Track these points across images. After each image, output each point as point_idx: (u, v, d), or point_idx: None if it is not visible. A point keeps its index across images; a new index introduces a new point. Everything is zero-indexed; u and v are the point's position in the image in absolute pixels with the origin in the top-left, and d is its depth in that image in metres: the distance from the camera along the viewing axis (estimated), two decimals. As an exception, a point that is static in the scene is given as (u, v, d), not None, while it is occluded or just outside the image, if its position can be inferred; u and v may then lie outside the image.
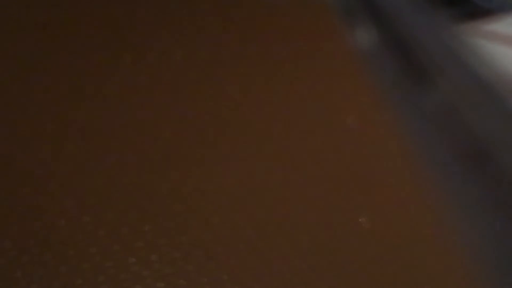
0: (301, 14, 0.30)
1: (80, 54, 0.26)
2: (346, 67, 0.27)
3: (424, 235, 0.21)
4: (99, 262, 0.19)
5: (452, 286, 0.20)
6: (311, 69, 0.27)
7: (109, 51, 0.27)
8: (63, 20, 0.28)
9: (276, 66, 0.27)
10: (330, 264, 0.20)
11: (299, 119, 0.25)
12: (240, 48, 0.28)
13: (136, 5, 0.29)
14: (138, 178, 0.21)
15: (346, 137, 0.24)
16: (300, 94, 0.26)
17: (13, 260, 0.19)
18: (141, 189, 0.21)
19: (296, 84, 0.27)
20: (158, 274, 0.19)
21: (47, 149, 0.22)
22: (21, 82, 0.25)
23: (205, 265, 0.19)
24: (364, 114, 0.25)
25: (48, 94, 0.24)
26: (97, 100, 0.24)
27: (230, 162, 0.23)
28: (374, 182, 0.23)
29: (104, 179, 0.21)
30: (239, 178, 0.22)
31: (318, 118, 0.25)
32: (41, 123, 0.23)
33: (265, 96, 0.26)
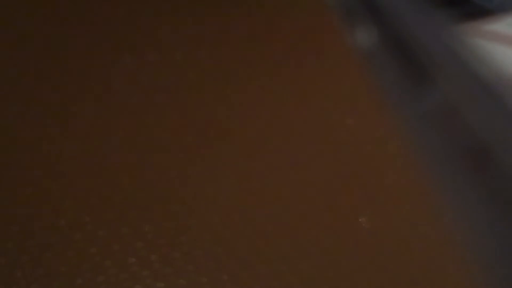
0: (301, 14, 0.30)
1: (80, 54, 0.26)
2: (346, 67, 0.27)
3: (424, 235, 0.21)
4: (99, 262, 0.19)
5: (452, 285, 0.20)
6: (311, 69, 0.27)
7: (109, 51, 0.27)
8: (63, 20, 0.28)
9: (276, 66, 0.27)
10: (330, 264, 0.20)
11: (299, 119, 0.25)
12: (240, 48, 0.28)
13: (136, 5, 0.29)
14: (138, 178, 0.22)
15: (346, 137, 0.24)
16: (300, 94, 0.26)
17: (13, 260, 0.19)
18: (141, 189, 0.21)
19: (296, 84, 0.27)
20: (158, 274, 0.19)
21: (47, 149, 0.22)
22: (22, 82, 0.25)
23: (205, 265, 0.19)
24: (364, 114, 0.25)
25: (48, 94, 0.24)
26: (97, 100, 0.24)
27: (230, 162, 0.23)
28: (374, 182, 0.23)
29: (104, 179, 0.21)
30: (239, 178, 0.22)
31: (318, 118, 0.25)
32: (41, 123, 0.23)
33: (265, 96, 0.26)
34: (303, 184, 0.22)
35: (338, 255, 0.20)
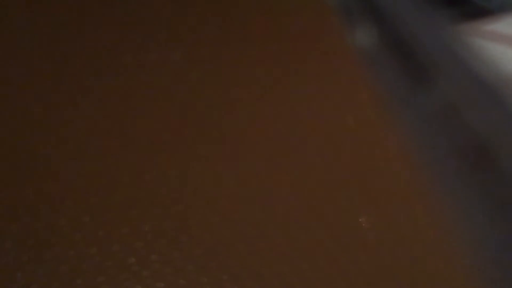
0: (301, 14, 0.30)
1: (80, 54, 0.26)
2: (346, 67, 0.27)
3: (424, 235, 0.21)
4: (99, 262, 0.19)
5: (452, 285, 0.20)
6: (311, 69, 0.27)
7: (109, 51, 0.27)
8: (63, 20, 0.28)
9: (276, 66, 0.27)
10: (330, 264, 0.20)
11: (299, 119, 0.25)
12: (240, 48, 0.28)
13: (136, 5, 0.29)
14: (138, 178, 0.22)
15: (346, 137, 0.24)
16: (300, 94, 0.26)
17: (13, 260, 0.19)
18: (141, 189, 0.21)
19: (296, 84, 0.27)
20: (158, 274, 0.19)
21: (47, 149, 0.22)
22: (21, 82, 0.25)
23: (205, 265, 0.19)
24: (364, 114, 0.25)
25: (48, 94, 0.24)
26: (97, 100, 0.24)
27: (230, 162, 0.23)
28: (374, 182, 0.23)
29: (104, 179, 0.21)
30: (239, 178, 0.22)
31: (318, 118, 0.25)
32: (41, 123, 0.23)
33: (265, 96, 0.26)
34: (303, 184, 0.22)
35: (338, 255, 0.20)
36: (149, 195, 0.21)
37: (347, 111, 0.25)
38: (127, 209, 0.20)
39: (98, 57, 0.26)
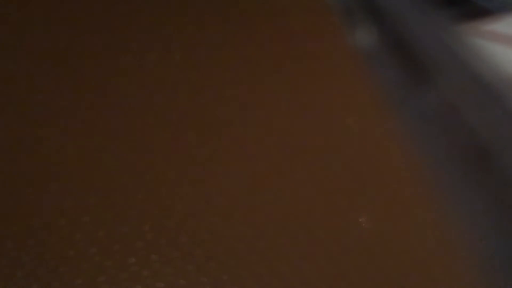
0: (301, 14, 0.30)
1: (79, 54, 0.26)
2: (346, 67, 0.27)
3: (424, 235, 0.21)
4: (99, 262, 0.19)
5: (452, 285, 0.20)
6: (311, 69, 0.27)
7: (109, 51, 0.27)
8: (63, 21, 0.28)
9: (276, 66, 0.27)
10: (330, 264, 0.20)
11: (299, 119, 0.25)
12: (240, 48, 0.28)
13: (136, 5, 0.29)
14: (138, 178, 0.22)
15: (346, 137, 0.24)
16: (300, 94, 0.26)
17: (13, 260, 0.19)
18: (141, 189, 0.21)
19: (296, 84, 0.27)
20: (158, 274, 0.19)
21: (47, 149, 0.22)
22: (21, 83, 0.25)
23: (205, 265, 0.19)
24: (364, 114, 0.25)
25: (48, 94, 0.24)
26: (97, 100, 0.24)
27: (230, 162, 0.23)
28: (374, 182, 0.23)
29: (104, 179, 0.21)
30: (239, 178, 0.22)
31: (318, 118, 0.25)
32: (41, 123, 0.23)
33: (264, 96, 0.26)
34: (303, 184, 0.22)
35: (338, 255, 0.20)
36: (149, 195, 0.21)
37: (347, 111, 0.25)
38: (127, 209, 0.20)
39: (98, 57, 0.26)
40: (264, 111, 0.25)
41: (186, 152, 0.23)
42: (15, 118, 0.23)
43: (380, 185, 0.23)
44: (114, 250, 0.19)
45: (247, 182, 0.22)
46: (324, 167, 0.23)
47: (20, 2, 0.28)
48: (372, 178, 0.23)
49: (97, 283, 0.18)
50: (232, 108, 0.25)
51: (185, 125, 0.24)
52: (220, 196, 0.21)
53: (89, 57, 0.26)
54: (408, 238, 0.21)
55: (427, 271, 0.20)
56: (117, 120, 0.24)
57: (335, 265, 0.20)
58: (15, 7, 0.28)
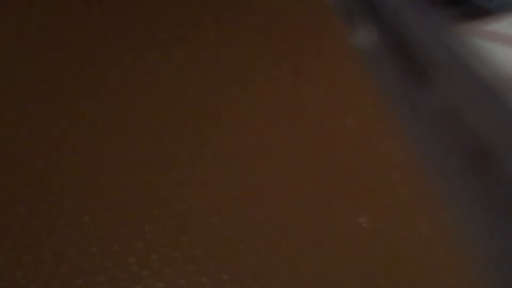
0: (301, 14, 0.30)
1: (80, 54, 0.26)
2: (346, 67, 0.27)
3: (423, 235, 0.21)
4: (99, 262, 0.19)
5: (452, 285, 0.20)
6: (311, 69, 0.27)
7: (110, 51, 0.27)
8: (64, 20, 0.28)
9: (276, 66, 0.27)
10: (330, 264, 0.20)
11: (299, 119, 0.25)
12: (240, 48, 0.28)
13: (137, 6, 0.29)
14: (138, 178, 0.22)
15: (346, 137, 0.24)
16: (300, 94, 0.26)
17: (13, 260, 0.19)
18: (141, 189, 0.21)
19: (296, 84, 0.27)
20: (158, 274, 0.19)
21: (48, 149, 0.22)
22: (21, 82, 0.25)
23: (205, 265, 0.19)
24: (364, 114, 0.25)
25: (48, 94, 0.24)
26: (97, 100, 0.24)
27: (230, 162, 0.23)
28: (374, 182, 0.23)
29: (104, 179, 0.21)
30: (239, 178, 0.22)
31: (318, 118, 0.25)
32: (42, 123, 0.23)
33: (265, 96, 0.26)
34: (303, 184, 0.22)
35: (338, 255, 0.20)
36: (149, 195, 0.21)
37: (347, 111, 0.25)
38: (127, 209, 0.20)
39: (98, 57, 0.26)
40: (264, 111, 0.25)
41: (186, 152, 0.23)
42: (14, 118, 0.23)
43: (380, 185, 0.23)
44: (114, 250, 0.19)
45: (247, 182, 0.22)
46: (324, 167, 0.23)
47: (20, 2, 0.28)
48: (372, 178, 0.23)
49: (97, 283, 0.18)
50: (232, 108, 0.25)
51: (185, 125, 0.24)
52: (220, 196, 0.21)
53: (89, 57, 0.26)
54: (407, 238, 0.21)
55: (427, 271, 0.20)
56: (117, 120, 0.24)
57: (335, 265, 0.20)
58: (15, 7, 0.28)
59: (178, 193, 0.21)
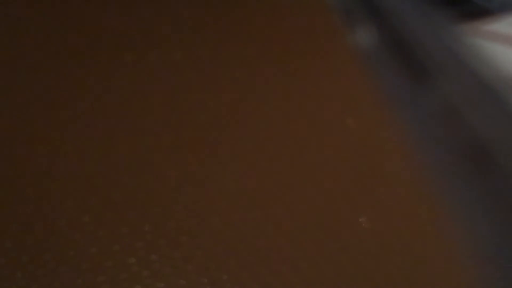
0: (301, 14, 0.30)
1: (80, 54, 0.26)
2: (346, 67, 0.27)
3: (424, 235, 0.21)
4: (99, 262, 0.19)
5: (452, 286, 0.20)
6: (311, 69, 0.27)
7: (109, 51, 0.27)
8: (64, 20, 0.28)
9: (276, 66, 0.27)
10: (330, 264, 0.20)
11: (299, 119, 0.25)
12: (240, 48, 0.28)
13: (137, 6, 0.29)
14: (138, 178, 0.22)
15: (346, 137, 0.24)
16: (300, 94, 0.26)
17: (13, 260, 0.19)
18: (141, 189, 0.21)
19: (296, 84, 0.27)
20: (158, 274, 0.19)
21: (47, 149, 0.22)
22: (21, 82, 0.25)
23: (205, 265, 0.19)
24: (364, 114, 0.25)
25: (48, 93, 0.24)
26: (97, 100, 0.24)
27: (230, 162, 0.23)
28: (374, 182, 0.23)
29: (104, 179, 0.21)
30: (239, 178, 0.22)
31: (318, 118, 0.25)
32: (42, 123, 0.23)
33: (265, 96, 0.26)
34: (302, 183, 0.22)
35: (338, 255, 0.20)
36: (149, 195, 0.21)
37: (347, 111, 0.25)
38: (127, 209, 0.20)
39: (98, 57, 0.26)
40: (264, 112, 0.25)
41: (187, 152, 0.23)
42: (15, 118, 0.23)
43: (380, 185, 0.23)
44: (114, 250, 0.19)
45: (247, 182, 0.22)
46: (324, 167, 0.23)
47: (20, 2, 0.28)
48: (372, 178, 0.23)
49: (97, 283, 0.18)
50: (232, 108, 0.25)
51: (185, 124, 0.24)
52: (220, 196, 0.21)
53: (89, 57, 0.26)
54: (408, 238, 0.21)
55: (427, 271, 0.20)
56: (118, 120, 0.24)
57: (335, 265, 0.20)
58: (15, 7, 0.28)
59: (178, 193, 0.21)
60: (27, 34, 0.27)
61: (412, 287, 0.20)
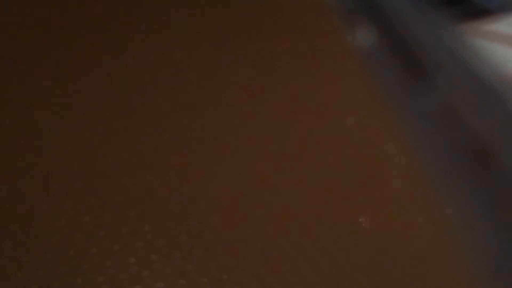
0: (301, 14, 0.30)
1: (80, 54, 0.26)
2: (346, 67, 0.27)
3: (424, 235, 0.21)
4: (99, 262, 0.19)
5: (452, 285, 0.20)
6: (311, 69, 0.27)
7: (110, 51, 0.27)
8: (64, 20, 0.28)
9: (276, 66, 0.27)
10: (330, 264, 0.20)
11: (299, 119, 0.25)
12: (240, 48, 0.28)
13: (137, 5, 0.29)
14: (138, 178, 0.22)
15: (346, 137, 0.24)
16: (300, 94, 0.26)
17: (13, 260, 0.19)
18: (141, 189, 0.21)
19: (296, 84, 0.27)
20: (158, 274, 0.19)
21: (47, 149, 0.22)
22: (22, 82, 0.25)
23: (205, 265, 0.19)
24: (364, 114, 0.25)
25: (48, 93, 0.24)
26: (97, 100, 0.24)
27: (230, 162, 0.23)
28: (374, 182, 0.23)
29: (104, 179, 0.21)
30: (239, 178, 0.22)
31: (318, 118, 0.25)
32: (41, 123, 0.23)
33: (265, 96, 0.26)
34: (303, 184, 0.22)
35: (338, 255, 0.20)
36: (149, 195, 0.21)
37: (347, 111, 0.25)
38: (127, 209, 0.20)
39: (98, 57, 0.26)
40: (264, 111, 0.25)
41: (187, 152, 0.23)
42: (15, 118, 0.23)
43: (380, 185, 0.23)
44: (114, 250, 0.19)
45: (247, 181, 0.22)
46: (324, 167, 0.23)
47: (21, 2, 0.28)
48: (372, 178, 0.23)
49: (97, 283, 0.18)
50: (233, 108, 0.25)
51: (185, 125, 0.24)
52: (220, 196, 0.21)
53: (90, 57, 0.26)
54: (408, 238, 0.21)
55: (427, 271, 0.20)
56: (117, 120, 0.24)
57: (335, 265, 0.20)
58: (15, 7, 0.28)
59: (178, 193, 0.21)
60: (26, 34, 0.27)
61: (412, 287, 0.20)
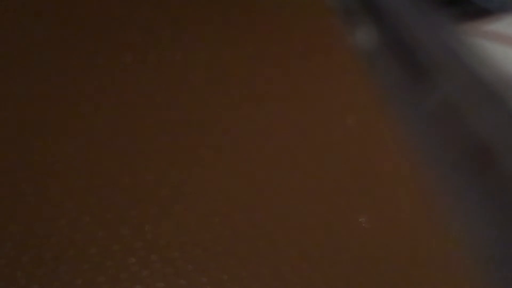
0: (301, 14, 0.30)
1: (80, 54, 0.26)
2: (346, 67, 0.27)
3: (424, 235, 0.21)
4: (99, 262, 0.19)
5: (452, 285, 0.20)
6: (311, 69, 0.27)
7: (109, 51, 0.27)
8: (64, 20, 0.28)
9: (276, 66, 0.27)
10: (330, 264, 0.20)
11: (299, 119, 0.25)
12: (240, 48, 0.28)
13: (137, 5, 0.29)
14: (138, 178, 0.22)
15: (346, 137, 0.24)
16: (300, 94, 0.26)
17: (13, 260, 0.19)
18: (141, 189, 0.21)
19: (296, 84, 0.27)
20: (158, 274, 0.19)
21: (47, 148, 0.22)
22: (22, 82, 0.25)
23: (205, 265, 0.19)
24: (364, 114, 0.25)
25: (48, 93, 0.24)
26: (97, 100, 0.24)
27: (230, 162, 0.23)
28: (374, 182, 0.23)
29: (104, 179, 0.21)
30: (239, 178, 0.22)
31: (318, 118, 0.25)
32: (41, 123, 0.23)
33: (265, 96, 0.26)
34: (303, 184, 0.22)
35: (338, 255, 0.20)
36: (149, 195, 0.21)
37: (347, 111, 0.25)
38: (127, 209, 0.20)
39: (98, 57, 0.26)
40: (264, 111, 0.25)
41: (187, 152, 0.23)
42: (15, 118, 0.23)
43: (380, 185, 0.23)
44: (114, 250, 0.19)
45: (247, 182, 0.22)
46: (324, 166, 0.23)
47: (21, 2, 0.28)
48: (372, 178, 0.23)
49: (97, 283, 0.18)
50: (232, 108, 0.25)
51: (185, 125, 0.24)
52: (220, 196, 0.21)
53: (90, 57, 0.26)
54: (408, 238, 0.21)
55: (427, 271, 0.20)
56: (118, 120, 0.24)
57: (335, 265, 0.20)
58: (15, 7, 0.28)
59: (178, 193, 0.21)
60: (26, 34, 0.27)
61: (412, 287, 0.20)
